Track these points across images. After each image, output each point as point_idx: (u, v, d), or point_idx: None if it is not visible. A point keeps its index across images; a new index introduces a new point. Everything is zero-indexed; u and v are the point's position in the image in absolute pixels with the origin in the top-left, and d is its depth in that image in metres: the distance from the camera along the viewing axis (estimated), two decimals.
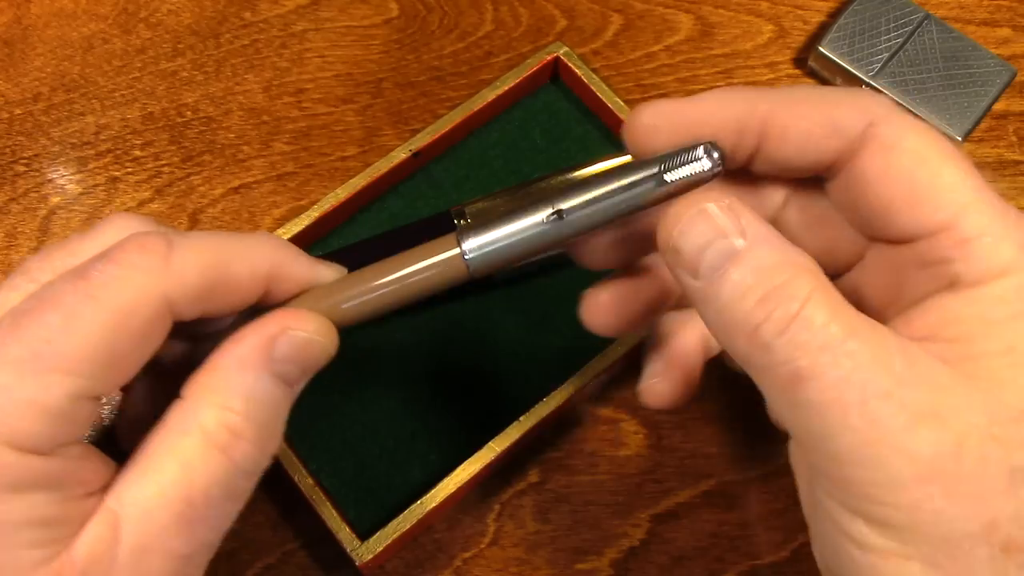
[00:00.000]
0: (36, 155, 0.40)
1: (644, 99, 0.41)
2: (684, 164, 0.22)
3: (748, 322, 0.20)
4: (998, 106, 0.40)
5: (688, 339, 0.28)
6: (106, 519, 0.22)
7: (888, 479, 0.19)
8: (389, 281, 0.24)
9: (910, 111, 0.38)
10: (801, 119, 0.23)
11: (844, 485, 0.19)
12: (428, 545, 0.33)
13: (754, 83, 0.41)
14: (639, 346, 0.34)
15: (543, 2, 0.43)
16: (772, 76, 0.41)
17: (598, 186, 0.23)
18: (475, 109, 0.38)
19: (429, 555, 0.33)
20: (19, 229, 0.39)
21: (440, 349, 0.36)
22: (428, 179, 0.39)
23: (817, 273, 0.21)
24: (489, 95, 0.38)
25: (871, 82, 0.39)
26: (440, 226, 0.36)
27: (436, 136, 0.38)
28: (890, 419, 0.19)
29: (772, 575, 0.33)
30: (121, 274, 0.21)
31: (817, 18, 0.42)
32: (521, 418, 0.33)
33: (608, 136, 0.40)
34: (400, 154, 0.37)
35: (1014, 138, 0.40)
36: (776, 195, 0.26)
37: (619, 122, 0.38)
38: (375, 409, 0.35)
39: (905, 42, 0.39)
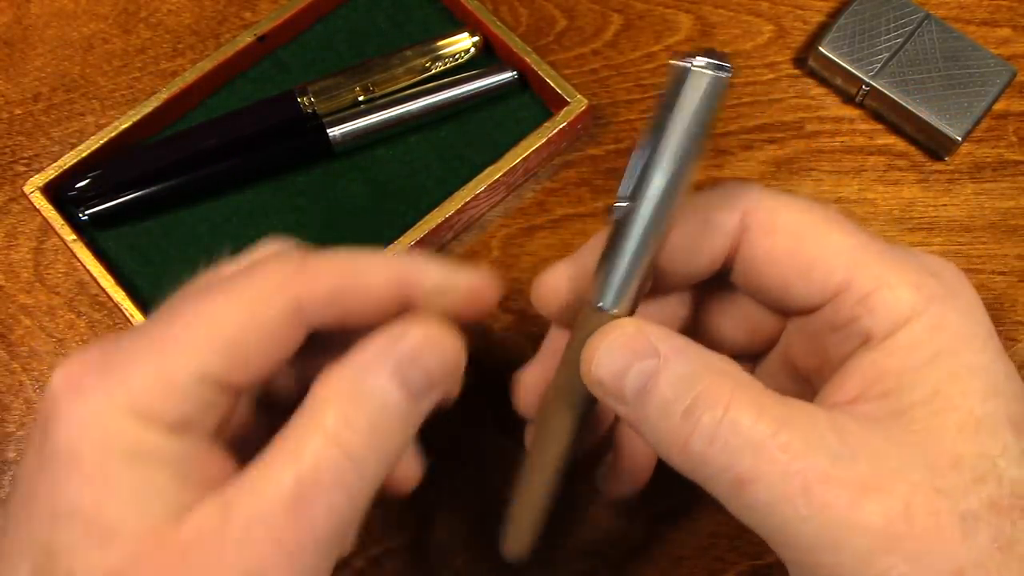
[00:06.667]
0: (36, 155, 0.40)
1: (644, 99, 0.41)
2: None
3: (678, 437, 0.20)
4: (998, 106, 0.40)
5: (638, 442, 0.28)
6: (218, 502, 0.21)
7: (851, 558, 0.19)
8: None
9: (910, 111, 0.38)
10: (679, 232, 0.23)
11: (814, 570, 0.20)
12: (428, 546, 0.33)
13: (754, 83, 0.41)
14: None
15: (543, 2, 0.43)
16: (772, 76, 0.41)
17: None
18: None
19: (429, 556, 0.33)
20: (19, 229, 0.39)
21: (287, 217, 0.38)
22: (276, 64, 0.41)
23: (735, 373, 0.21)
24: None
25: (871, 82, 0.39)
26: (284, 105, 0.38)
27: (281, 20, 0.40)
28: (835, 500, 0.19)
29: (772, 575, 0.33)
30: (256, 276, 0.22)
31: (817, 18, 0.42)
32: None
33: (450, 17, 0.42)
34: (245, 38, 0.39)
35: (1014, 138, 0.40)
36: (685, 297, 0.27)
37: (460, 5, 0.40)
38: None
39: (905, 42, 0.39)
